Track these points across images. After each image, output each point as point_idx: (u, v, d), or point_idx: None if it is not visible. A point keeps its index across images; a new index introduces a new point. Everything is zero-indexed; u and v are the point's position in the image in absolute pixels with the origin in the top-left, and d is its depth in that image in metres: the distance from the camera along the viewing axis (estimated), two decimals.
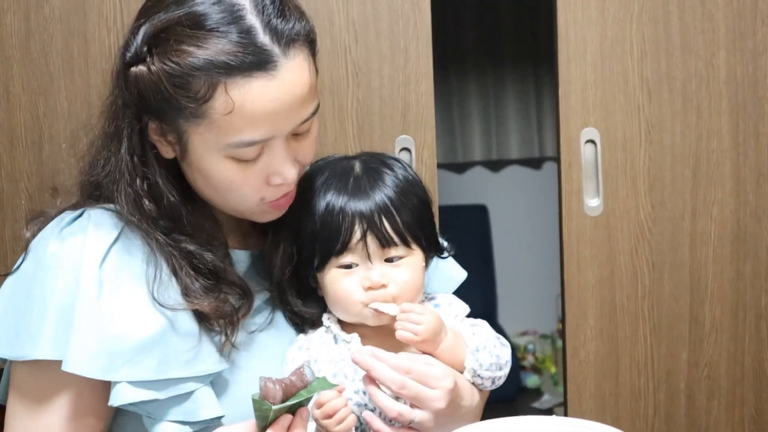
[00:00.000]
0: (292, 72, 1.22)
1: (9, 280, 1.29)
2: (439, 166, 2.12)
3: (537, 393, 4.58)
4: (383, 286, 1.30)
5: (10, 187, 2.01)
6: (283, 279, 1.39)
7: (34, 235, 1.31)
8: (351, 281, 1.30)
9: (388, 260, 1.31)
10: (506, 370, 1.36)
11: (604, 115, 2.10)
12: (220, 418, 1.26)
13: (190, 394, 1.24)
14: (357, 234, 1.29)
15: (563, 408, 2.23)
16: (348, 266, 1.31)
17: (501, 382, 1.37)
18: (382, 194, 1.31)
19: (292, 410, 1.13)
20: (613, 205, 2.11)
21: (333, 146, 2.05)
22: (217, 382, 1.29)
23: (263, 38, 1.20)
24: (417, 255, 1.34)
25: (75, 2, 2.00)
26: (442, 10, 2.13)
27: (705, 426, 2.17)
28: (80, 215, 1.30)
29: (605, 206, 2.11)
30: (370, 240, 1.29)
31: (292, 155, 1.28)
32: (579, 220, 2.11)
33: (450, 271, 1.56)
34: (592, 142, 2.10)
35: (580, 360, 2.14)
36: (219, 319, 1.28)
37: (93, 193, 1.35)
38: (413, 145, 2.07)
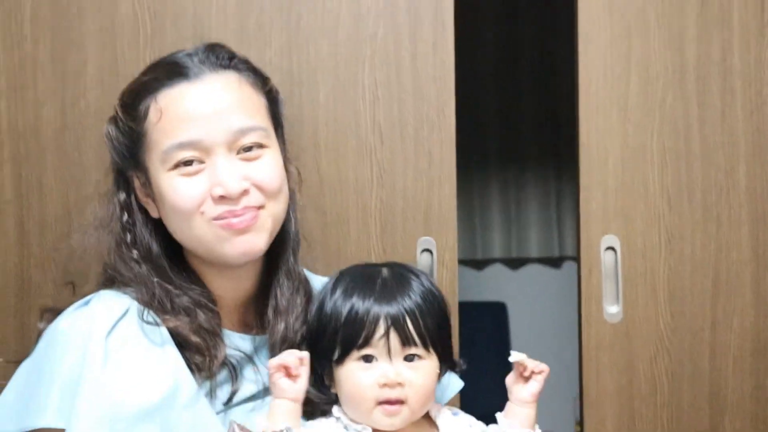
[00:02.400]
0: (216, 82, 1.38)
1: (23, 364, 1.33)
2: (459, 262, 2.14)
3: None
4: (399, 384, 1.32)
5: (38, 276, 2.04)
6: (284, 349, 1.42)
7: (45, 327, 1.35)
8: (368, 376, 1.33)
9: (408, 359, 1.34)
10: None
11: (624, 222, 2.12)
12: None
13: None
14: (381, 329, 1.33)
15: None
16: (368, 359, 1.34)
17: None
18: (409, 299, 1.36)
19: None
20: (633, 312, 2.12)
21: (356, 245, 2.07)
22: None
23: (190, 61, 1.39)
24: (434, 361, 1.38)
25: (109, 98, 2.02)
26: (467, 112, 2.17)
27: None
28: (92, 298, 1.38)
29: (625, 313, 2.11)
30: (393, 336, 1.33)
31: (240, 172, 1.36)
32: (599, 327, 2.11)
33: (449, 379, 1.58)
34: (612, 249, 2.11)
35: None
36: (198, 345, 1.34)
37: (108, 277, 1.44)
38: (434, 247, 2.09)
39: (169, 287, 1.40)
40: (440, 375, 1.42)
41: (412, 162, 2.09)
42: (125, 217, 1.44)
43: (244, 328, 1.48)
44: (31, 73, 2.04)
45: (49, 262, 2.04)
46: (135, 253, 1.42)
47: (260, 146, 1.40)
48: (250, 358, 1.43)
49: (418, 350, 1.35)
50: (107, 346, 1.28)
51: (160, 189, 1.38)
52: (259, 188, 1.38)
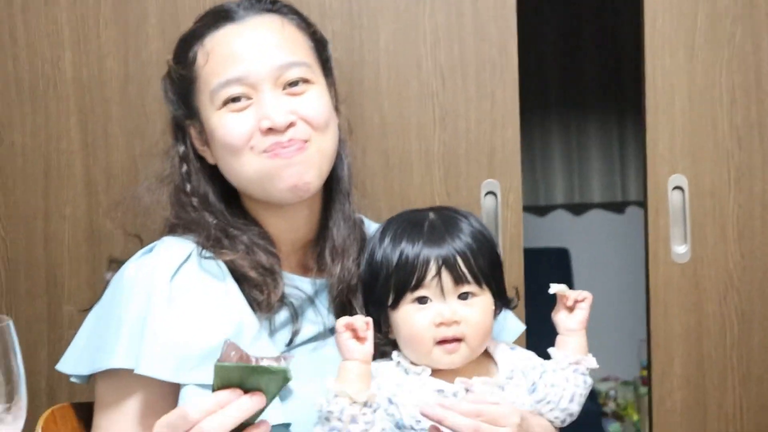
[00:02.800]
0: (259, 23, 1.43)
1: (93, 310, 1.37)
2: (523, 209, 2.12)
3: None
4: (455, 322, 1.33)
5: (106, 226, 2.07)
6: (337, 304, 1.46)
7: (113, 276, 1.40)
8: (424, 316, 1.34)
9: (462, 297, 1.35)
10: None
11: (692, 161, 2.08)
12: (287, 425, 1.29)
13: None
14: (432, 270, 1.34)
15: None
16: (422, 300, 1.34)
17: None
18: (459, 240, 1.36)
19: (248, 386, 1.09)
20: (701, 252, 2.09)
21: (419, 189, 2.07)
22: (282, 392, 1.31)
23: (237, 7, 1.45)
24: (488, 297, 1.38)
25: (171, 48, 2.05)
26: (527, 54, 2.15)
27: None
28: (157, 244, 1.41)
29: (693, 253, 2.09)
30: (445, 275, 1.34)
31: (286, 106, 1.39)
32: (666, 267, 2.09)
33: (509, 323, 1.59)
34: (680, 188, 2.08)
35: (666, 409, 2.11)
36: (257, 281, 1.37)
37: (170, 225, 1.49)
38: (498, 189, 2.08)
39: (228, 229, 1.43)
40: (496, 312, 1.42)
41: (475, 104, 2.07)
42: (183, 167, 1.48)
43: (304, 270, 1.50)
44: (94, 25, 2.06)
45: (116, 211, 2.08)
46: (194, 200, 1.45)
47: (305, 81, 1.42)
48: (311, 300, 1.45)
49: (471, 287, 1.35)
50: (171, 290, 1.32)
51: (211, 129, 1.42)
52: (306, 121, 1.40)
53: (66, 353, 1.38)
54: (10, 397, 0.99)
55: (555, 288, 1.44)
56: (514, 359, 1.42)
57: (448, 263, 1.34)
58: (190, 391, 1.26)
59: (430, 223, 1.39)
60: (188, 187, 1.47)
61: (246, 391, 1.09)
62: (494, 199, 2.07)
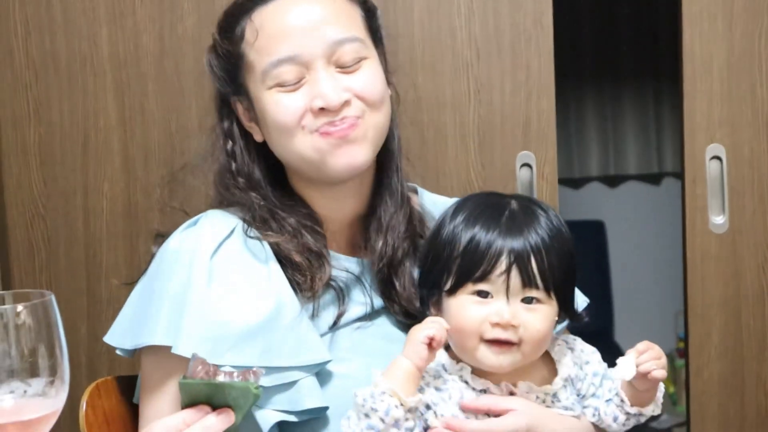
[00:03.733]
0: None
1: (139, 283, 1.37)
2: (558, 181, 2.11)
3: None
4: (513, 327, 1.23)
5: (144, 201, 2.09)
6: (380, 281, 1.42)
7: (158, 250, 1.39)
8: (480, 311, 1.24)
9: (526, 300, 1.24)
10: None
11: (730, 131, 2.06)
12: (324, 409, 1.28)
13: (294, 383, 1.27)
14: (502, 265, 1.23)
15: (684, 428, 2.19)
16: (483, 294, 1.24)
17: None
18: (536, 234, 1.25)
19: (216, 403, 1.07)
20: (740, 222, 2.07)
21: (454, 162, 2.07)
22: (321, 375, 1.31)
23: None
24: (553, 307, 1.27)
25: (207, 23, 2.07)
26: (561, 23, 2.13)
27: None
28: (201, 218, 1.39)
29: (731, 223, 2.07)
30: (514, 275, 1.23)
31: (340, 84, 1.35)
32: (703, 237, 2.08)
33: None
34: (718, 158, 2.06)
35: (703, 380, 2.10)
36: (302, 266, 1.35)
37: (215, 199, 1.46)
38: (534, 161, 2.07)
39: (275, 210, 1.40)
40: (558, 323, 1.30)
41: (510, 75, 2.06)
42: (229, 144, 1.44)
43: (352, 249, 1.46)
44: (130, 2, 2.07)
45: (153, 187, 2.10)
46: (240, 180, 1.42)
47: (359, 58, 1.37)
48: (358, 280, 1.42)
49: (538, 293, 1.24)
50: (212, 266, 1.30)
51: (262, 108, 1.38)
52: (361, 98, 1.35)
53: (113, 325, 1.37)
54: (53, 371, 1.00)
55: (623, 374, 1.26)
56: (572, 364, 1.33)
57: (520, 261, 1.23)
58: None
59: (510, 212, 1.27)
60: (234, 166, 1.43)
61: (214, 407, 1.07)
62: (529, 171, 2.07)
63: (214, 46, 1.44)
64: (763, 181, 2.06)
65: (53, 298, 1.01)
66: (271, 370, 1.26)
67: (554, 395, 1.29)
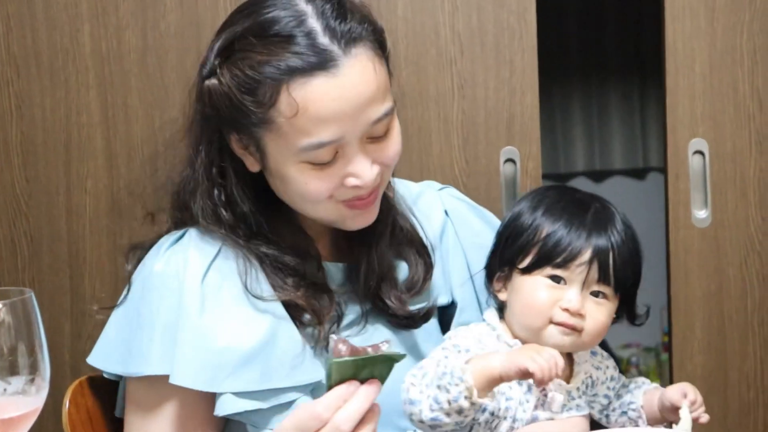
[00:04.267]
0: (353, 69, 1.23)
1: (122, 306, 1.33)
2: (542, 176, 2.12)
3: None
4: (580, 315, 1.29)
5: (127, 197, 2.09)
6: (372, 288, 1.39)
7: (134, 267, 1.35)
8: (553, 294, 1.30)
9: (594, 294, 1.31)
10: None
11: (712, 125, 2.07)
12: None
13: (291, 403, 1.27)
14: (585, 256, 1.30)
15: (669, 424, 2.19)
16: (557, 279, 1.31)
17: None
18: (617, 233, 1.32)
19: (363, 377, 1.10)
20: (722, 216, 2.08)
21: (438, 157, 2.07)
22: (317, 392, 1.30)
23: (323, 39, 1.22)
24: (614, 305, 1.34)
25: (189, 19, 2.07)
26: (547, 20, 2.14)
27: None
28: (182, 235, 1.34)
29: (714, 218, 2.08)
30: (594, 268, 1.30)
31: (370, 158, 1.28)
32: (687, 232, 2.09)
33: None
34: (701, 153, 2.07)
35: (686, 373, 2.11)
36: (310, 312, 1.31)
37: (184, 212, 1.37)
38: (518, 157, 2.07)
39: (268, 251, 1.33)
40: (614, 320, 1.37)
41: (493, 71, 2.07)
42: (214, 171, 1.32)
43: (337, 253, 1.44)
44: None
45: (137, 183, 2.09)
46: (228, 215, 1.32)
47: (389, 125, 1.30)
48: (343, 286, 1.40)
49: (607, 290, 1.31)
50: (203, 291, 1.27)
51: (284, 174, 1.28)
52: (385, 166, 1.31)
53: (96, 346, 1.34)
54: (34, 368, 0.99)
55: (686, 428, 1.33)
56: (591, 367, 1.39)
57: (602, 256, 1.30)
58: (227, 399, 1.23)
59: (595, 209, 1.34)
60: (221, 197, 1.32)
61: (361, 381, 1.10)
62: (513, 166, 2.07)
63: (220, 86, 1.26)
64: (745, 176, 2.07)
65: (33, 295, 1.01)
66: (268, 393, 1.25)
67: (569, 393, 1.34)
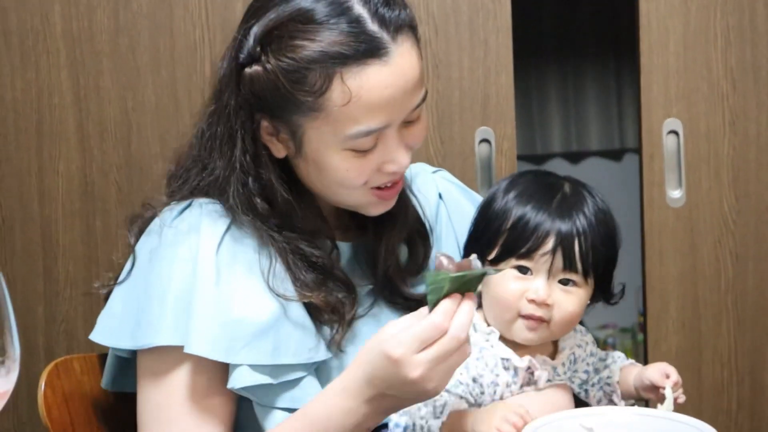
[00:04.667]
0: (403, 57, 1.23)
1: (129, 277, 1.31)
2: (518, 157, 2.12)
3: None
4: (546, 305, 1.27)
5: (100, 180, 2.07)
6: (388, 270, 1.40)
7: (137, 239, 1.34)
8: (520, 286, 1.28)
9: (563, 282, 1.29)
10: None
11: (687, 105, 2.08)
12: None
13: (298, 381, 1.27)
14: (548, 245, 1.27)
15: (643, 401, 2.21)
16: (523, 270, 1.28)
17: None
18: (584, 218, 1.29)
19: (460, 290, 1.12)
20: (696, 196, 2.09)
21: None
22: (320, 370, 1.30)
23: (372, 26, 1.21)
24: (588, 290, 1.31)
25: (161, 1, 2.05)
26: (522, 2, 2.13)
27: None
28: (188, 206, 1.33)
29: (688, 198, 2.09)
30: (558, 256, 1.27)
31: (404, 142, 1.29)
32: (661, 212, 2.09)
33: None
34: (675, 132, 2.08)
35: (661, 353, 2.12)
36: (329, 313, 1.30)
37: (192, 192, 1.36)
38: (493, 137, 2.07)
39: (297, 244, 1.31)
40: (590, 304, 1.35)
41: (468, 51, 2.06)
42: (248, 159, 1.30)
43: (343, 231, 1.43)
44: None
45: (109, 165, 2.08)
46: (262, 204, 1.31)
47: (421, 107, 1.32)
48: (352, 263, 1.40)
49: (576, 276, 1.28)
50: (218, 263, 1.26)
51: (323, 161, 1.27)
52: (413, 149, 1.31)
53: (99, 322, 1.32)
54: (3, 351, 0.98)
55: (669, 407, 1.33)
56: (574, 344, 1.38)
57: (564, 244, 1.27)
58: (242, 371, 1.22)
59: (562, 194, 1.31)
60: (255, 187, 1.30)
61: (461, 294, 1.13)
62: (488, 146, 2.07)
63: (265, 72, 1.23)
64: (719, 155, 2.08)
65: (1, 277, 1.00)
66: (278, 368, 1.25)
67: (555, 369, 1.34)
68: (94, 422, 1.37)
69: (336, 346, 1.31)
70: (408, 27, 1.26)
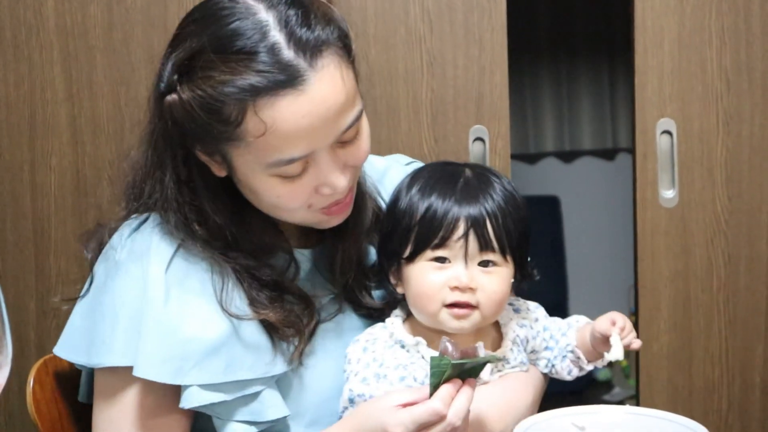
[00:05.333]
0: (322, 83, 1.18)
1: (87, 295, 1.31)
2: (512, 156, 2.12)
3: (607, 386, 4.54)
4: (471, 289, 1.27)
5: (93, 175, 2.07)
6: (347, 281, 1.39)
7: (95, 255, 1.33)
8: (439, 277, 1.27)
9: (483, 264, 1.28)
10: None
11: (681, 105, 2.08)
12: (285, 417, 1.28)
13: (257, 394, 1.26)
14: (460, 230, 1.26)
15: (635, 401, 2.21)
16: (441, 260, 1.28)
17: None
18: (491, 200, 1.29)
19: (462, 376, 1.16)
20: (689, 196, 2.09)
21: (407, 136, 2.06)
22: (281, 381, 1.30)
23: (287, 53, 1.17)
24: (509, 269, 1.31)
25: None
26: (517, 0, 2.13)
27: None
28: (144, 221, 1.32)
29: (681, 198, 2.09)
30: (471, 239, 1.26)
31: (341, 162, 1.25)
32: (654, 212, 2.10)
33: None
34: (668, 132, 2.08)
35: (653, 352, 2.12)
36: (286, 328, 1.29)
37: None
38: (487, 135, 2.07)
39: (245, 263, 1.30)
40: (514, 284, 1.34)
41: (463, 49, 2.06)
42: (182, 186, 1.28)
43: (305, 241, 1.41)
44: None
45: (102, 161, 2.07)
46: (201, 230, 1.28)
47: (358, 127, 1.27)
48: (312, 272, 1.39)
49: (494, 256, 1.27)
50: (167, 281, 1.24)
51: (253, 186, 1.25)
52: (356, 167, 1.29)
53: (63, 336, 1.32)
54: None
55: (617, 356, 1.31)
56: (518, 326, 1.38)
57: (477, 225, 1.26)
58: (192, 391, 1.22)
59: (465, 180, 1.31)
60: (193, 216, 1.28)
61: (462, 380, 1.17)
62: (482, 145, 2.07)
63: (181, 103, 1.19)
64: (712, 156, 2.08)
65: None
66: (233, 385, 1.24)
67: (504, 358, 1.33)
68: (83, 418, 1.36)
69: (296, 361, 1.30)
70: (332, 46, 1.20)
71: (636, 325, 2.15)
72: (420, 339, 1.30)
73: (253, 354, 1.26)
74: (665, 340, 2.12)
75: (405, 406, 1.15)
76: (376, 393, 1.25)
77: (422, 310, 1.30)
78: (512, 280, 1.32)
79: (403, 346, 1.31)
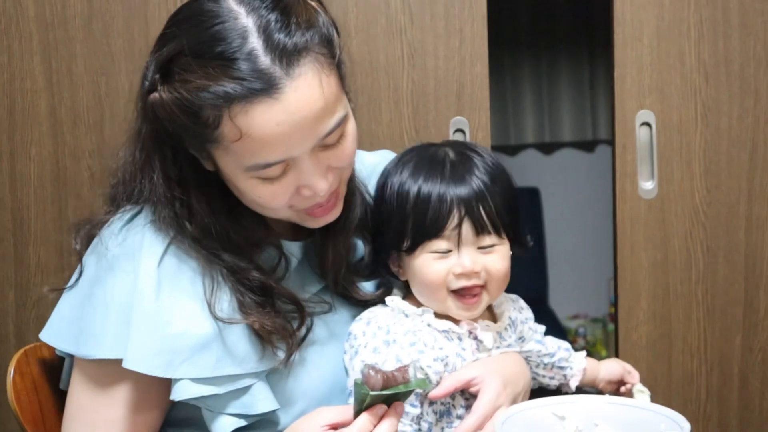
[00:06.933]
0: (298, 91, 1.18)
1: (77, 284, 1.31)
2: (492, 148, 2.12)
3: None
4: (475, 273, 1.30)
5: (73, 165, 2.06)
6: (338, 276, 1.40)
7: (84, 247, 1.33)
8: (443, 265, 1.30)
9: (481, 248, 1.31)
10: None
11: (659, 97, 2.09)
12: (275, 410, 1.29)
13: (247, 388, 1.27)
14: (454, 220, 1.29)
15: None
16: (442, 251, 1.31)
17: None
18: (478, 180, 1.31)
19: (388, 402, 1.15)
20: (668, 188, 2.11)
21: (388, 126, 2.07)
22: (271, 374, 1.31)
23: (264, 61, 1.16)
24: (506, 245, 1.35)
25: None
26: None
27: (758, 410, 2.16)
28: (137, 214, 1.32)
29: (660, 189, 2.10)
30: (466, 227, 1.29)
31: (323, 166, 1.25)
32: (633, 203, 2.11)
33: None
34: (647, 124, 2.09)
35: (632, 343, 2.14)
36: (273, 335, 1.29)
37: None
38: (467, 127, 2.07)
39: (235, 264, 1.30)
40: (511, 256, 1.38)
41: (443, 41, 2.06)
42: (172, 184, 1.29)
43: (296, 231, 1.42)
44: None
45: (82, 151, 2.06)
46: (192, 228, 1.29)
47: (342, 130, 1.26)
48: (303, 263, 1.40)
49: (491, 239, 1.31)
50: (159, 275, 1.25)
51: (236, 183, 1.26)
52: (341, 169, 1.29)
53: (49, 322, 1.32)
54: None
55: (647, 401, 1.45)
56: (512, 309, 1.42)
57: (470, 212, 1.29)
58: (183, 385, 1.23)
59: (451, 163, 1.32)
60: (184, 213, 1.29)
61: (387, 404, 1.17)
62: (463, 136, 2.07)
63: (162, 104, 1.20)
64: (691, 148, 2.10)
65: None
66: (223, 378, 1.25)
67: (500, 334, 1.37)
68: (63, 409, 1.36)
69: (286, 364, 1.30)
70: (314, 51, 1.20)
71: (615, 316, 2.17)
72: (425, 308, 1.34)
73: (243, 348, 1.27)
74: (644, 330, 2.13)
75: (331, 427, 1.17)
76: (389, 359, 1.26)
77: (430, 299, 1.34)
78: (510, 254, 1.36)
79: (407, 316, 1.34)
